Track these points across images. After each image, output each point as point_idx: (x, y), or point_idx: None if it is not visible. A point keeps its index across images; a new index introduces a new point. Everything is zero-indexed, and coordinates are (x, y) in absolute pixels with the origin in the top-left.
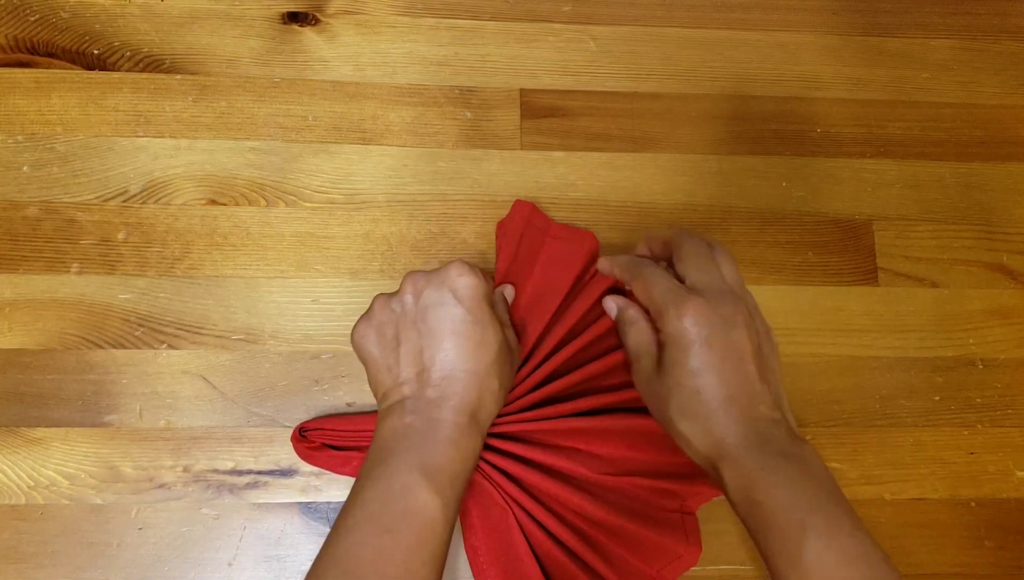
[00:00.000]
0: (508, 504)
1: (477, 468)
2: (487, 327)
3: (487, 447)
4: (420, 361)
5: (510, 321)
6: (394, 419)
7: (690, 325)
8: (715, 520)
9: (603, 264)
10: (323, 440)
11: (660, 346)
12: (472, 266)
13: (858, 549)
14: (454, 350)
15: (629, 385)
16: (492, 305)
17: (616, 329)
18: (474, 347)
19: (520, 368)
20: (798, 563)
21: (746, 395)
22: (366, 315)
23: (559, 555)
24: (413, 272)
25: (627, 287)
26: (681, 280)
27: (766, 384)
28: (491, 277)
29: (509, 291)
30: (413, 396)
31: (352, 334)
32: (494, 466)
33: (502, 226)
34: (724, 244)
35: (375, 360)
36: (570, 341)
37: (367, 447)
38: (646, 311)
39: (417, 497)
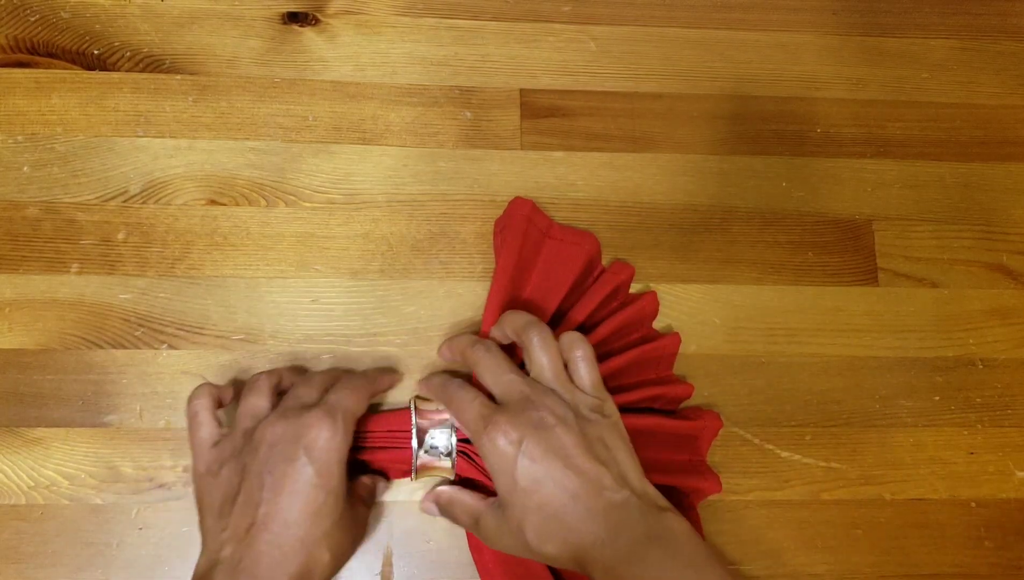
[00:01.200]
0: None
1: (478, 469)
2: (330, 494)
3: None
4: (252, 515)
5: (370, 503)
6: None
7: (504, 445)
8: (715, 521)
9: (420, 385)
10: None
11: (490, 493)
12: (335, 415)
13: None
14: (290, 512)
15: (632, 387)
16: (344, 469)
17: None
18: (312, 513)
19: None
20: None
21: (585, 488)
22: (210, 447)
23: None
24: (275, 419)
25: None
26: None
27: (602, 465)
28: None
29: (382, 488)
30: (230, 559)
31: (194, 466)
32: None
33: (499, 224)
34: (540, 325)
35: (210, 502)
36: None
37: (361, 447)
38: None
39: None
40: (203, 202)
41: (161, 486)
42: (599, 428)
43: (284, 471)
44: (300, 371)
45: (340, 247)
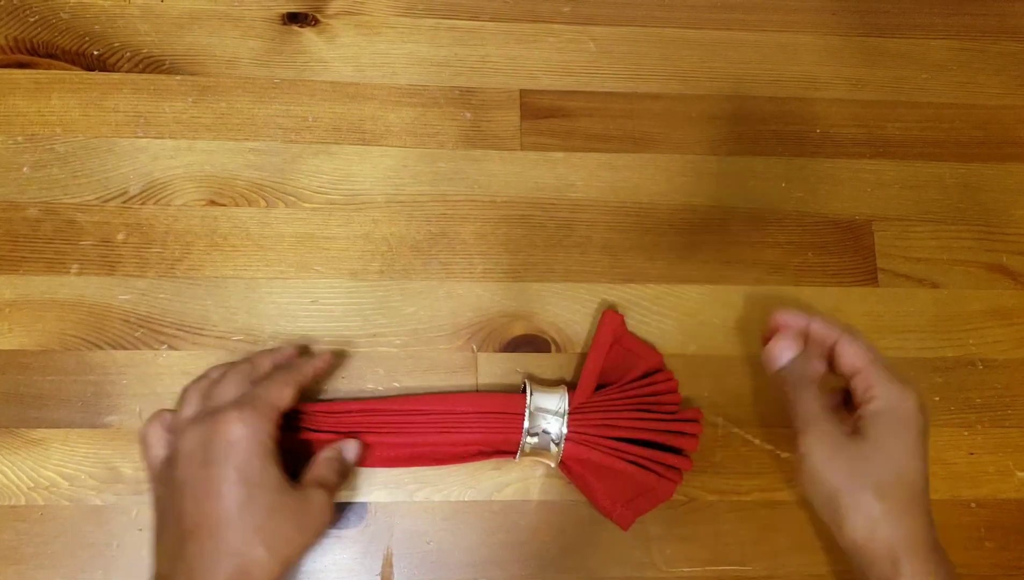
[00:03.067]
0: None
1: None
2: (255, 487)
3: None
4: (179, 527)
5: (335, 478)
6: None
7: (916, 409)
8: (715, 522)
9: (795, 319)
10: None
11: (853, 414)
12: (243, 409)
13: None
14: (214, 515)
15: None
16: (270, 459)
17: (779, 379)
18: (236, 511)
19: None
20: None
21: (926, 494)
22: (158, 467)
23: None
24: (188, 427)
25: (828, 344)
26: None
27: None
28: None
29: (350, 448)
30: (166, 576)
31: (150, 488)
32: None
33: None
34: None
35: (155, 520)
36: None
37: (344, 432)
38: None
39: None
40: (203, 203)
41: None
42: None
43: (202, 477)
44: (232, 365)
45: (340, 248)
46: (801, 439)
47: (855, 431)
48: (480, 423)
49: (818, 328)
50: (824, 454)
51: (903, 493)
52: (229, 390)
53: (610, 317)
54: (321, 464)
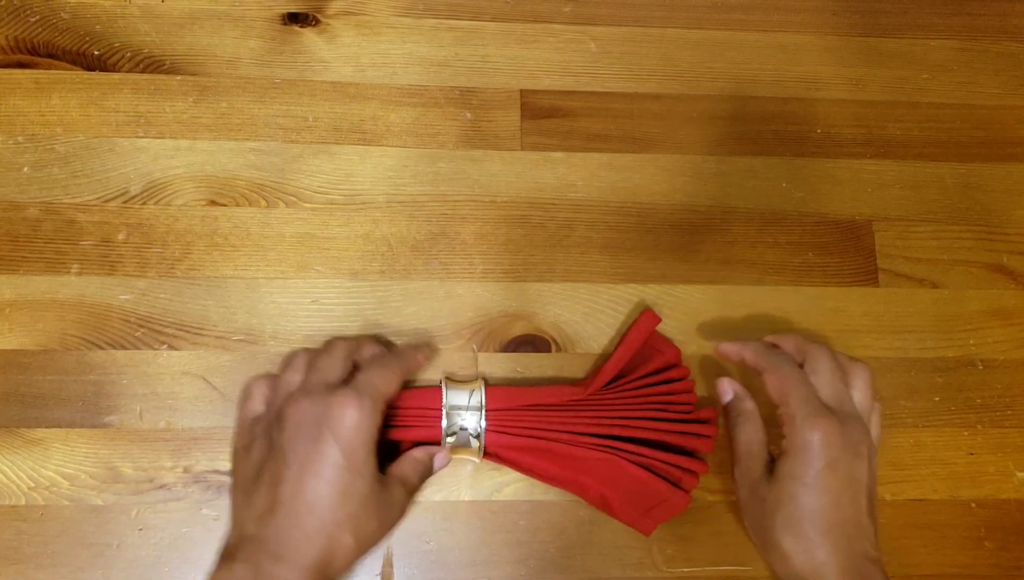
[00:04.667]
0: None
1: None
2: (356, 475)
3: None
4: (274, 496)
5: (416, 480)
6: (223, 570)
7: (820, 444)
8: (715, 522)
9: (731, 348)
10: None
11: (776, 452)
12: (362, 396)
13: None
14: (312, 492)
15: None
16: (372, 449)
17: (725, 414)
18: (336, 495)
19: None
20: None
21: (854, 527)
22: (246, 423)
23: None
24: (300, 396)
25: (759, 371)
26: None
27: (872, 521)
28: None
29: (440, 459)
30: (254, 539)
31: (233, 440)
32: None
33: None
34: (860, 361)
35: (238, 480)
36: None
37: (392, 425)
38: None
39: None
40: (203, 203)
41: (161, 487)
42: (875, 485)
43: (308, 451)
44: (336, 340)
45: (340, 248)
46: (733, 474)
47: (775, 467)
48: (404, 418)
49: (749, 357)
50: (745, 492)
51: (807, 530)
52: (336, 367)
53: (647, 318)
54: (408, 463)
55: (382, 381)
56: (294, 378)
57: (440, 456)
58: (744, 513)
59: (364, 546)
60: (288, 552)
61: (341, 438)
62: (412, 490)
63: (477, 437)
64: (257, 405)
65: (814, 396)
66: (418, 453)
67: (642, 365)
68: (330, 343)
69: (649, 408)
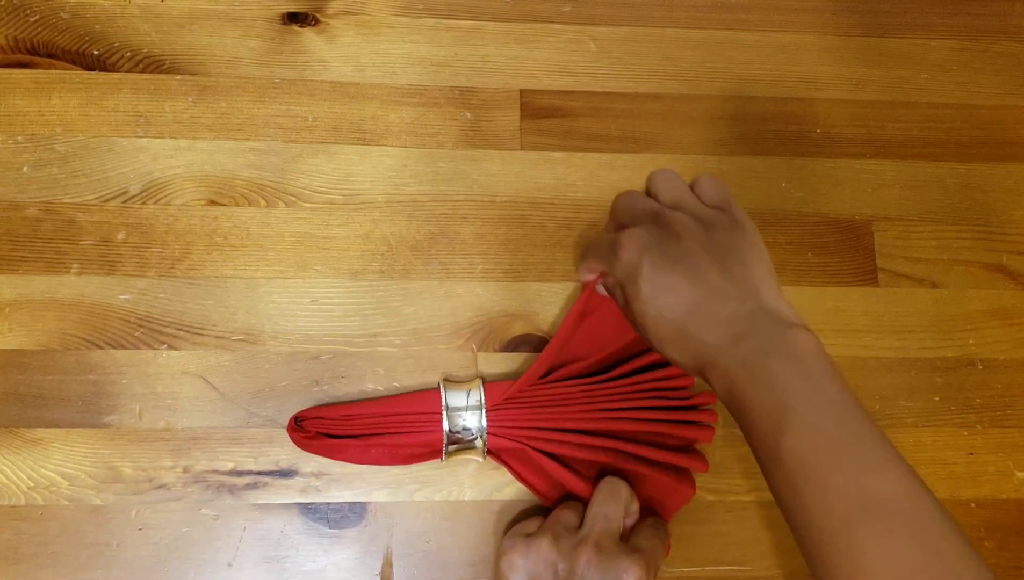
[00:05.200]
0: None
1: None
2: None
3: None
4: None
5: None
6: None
7: (629, 256)
8: (715, 522)
9: (579, 263)
10: (318, 429)
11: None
12: (650, 568)
13: (836, 425)
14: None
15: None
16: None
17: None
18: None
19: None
20: (778, 463)
21: (709, 299)
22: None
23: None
24: (585, 548)
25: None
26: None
27: (731, 280)
28: None
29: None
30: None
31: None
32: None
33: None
34: (705, 173)
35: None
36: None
37: (361, 434)
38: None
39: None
40: (203, 202)
41: (161, 486)
42: (731, 239)
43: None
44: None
45: (340, 247)
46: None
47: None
48: (401, 425)
49: (584, 261)
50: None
51: (671, 330)
52: (618, 515)
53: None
54: (643, 535)
55: (660, 553)
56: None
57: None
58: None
59: None
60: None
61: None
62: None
63: (479, 436)
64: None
65: (608, 241)
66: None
67: (636, 349)
68: (608, 484)
69: (647, 397)
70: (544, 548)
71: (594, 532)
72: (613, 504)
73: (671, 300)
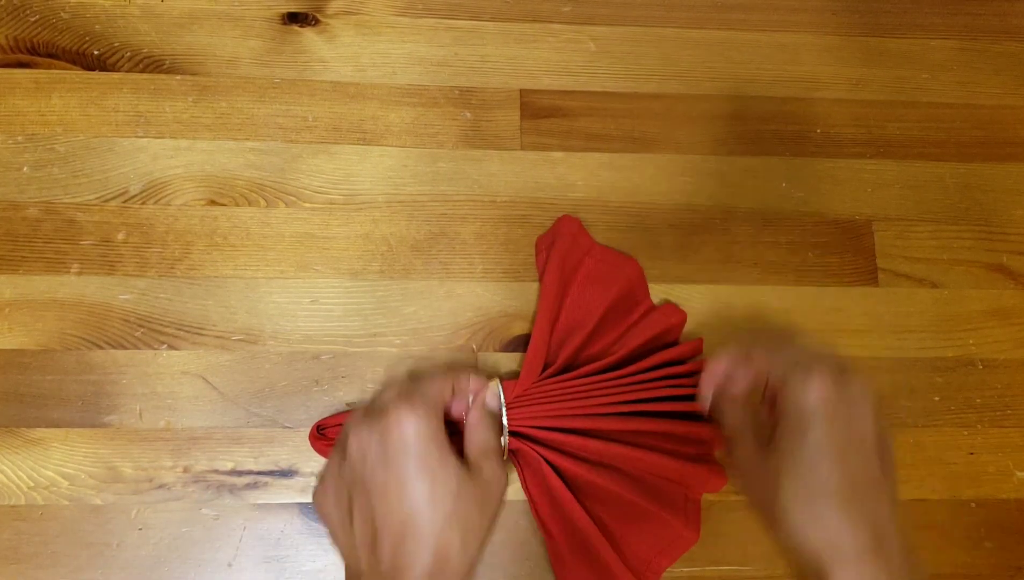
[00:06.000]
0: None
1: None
2: (436, 479)
3: (520, 435)
4: (372, 526)
5: (493, 441)
6: None
7: (815, 398)
8: (714, 521)
9: (711, 371)
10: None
11: (771, 424)
12: (413, 403)
13: None
14: (403, 510)
15: (643, 355)
16: (444, 446)
17: (712, 411)
18: (424, 503)
19: (549, 375)
20: None
21: (869, 488)
22: (321, 479)
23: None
24: (356, 423)
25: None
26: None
27: (888, 478)
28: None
29: (492, 393)
30: (369, 571)
31: (313, 499)
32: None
33: (543, 241)
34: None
35: (334, 523)
36: (602, 358)
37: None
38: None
39: None
40: (203, 202)
41: (161, 486)
42: (890, 438)
43: (383, 476)
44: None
45: (340, 248)
46: (733, 463)
47: (771, 441)
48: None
49: (736, 350)
50: (743, 471)
51: (818, 499)
52: (387, 393)
53: (566, 221)
54: (474, 431)
55: (429, 387)
56: (355, 420)
57: (490, 394)
58: (748, 497)
59: (473, 538)
60: (402, 568)
61: (407, 450)
62: (494, 452)
63: (502, 435)
64: (333, 461)
65: (802, 355)
66: (472, 415)
67: (647, 333)
68: (382, 385)
69: (661, 386)
70: (330, 467)
71: (371, 407)
72: (388, 389)
73: (836, 468)
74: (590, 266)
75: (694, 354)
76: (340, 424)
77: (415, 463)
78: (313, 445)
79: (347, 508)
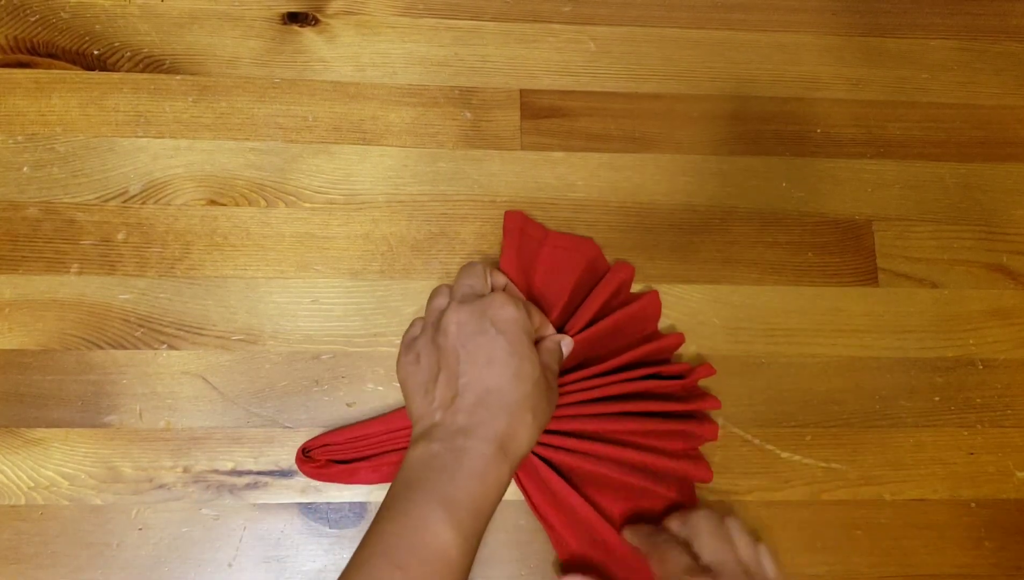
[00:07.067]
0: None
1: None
2: (524, 359)
3: None
4: (455, 386)
5: (557, 369)
6: (421, 447)
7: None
8: None
9: (625, 533)
10: (327, 456)
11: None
12: (515, 299)
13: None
14: (489, 378)
15: (623, 349)
16: (532, 341)
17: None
18: (510, 377)
19: None
20: None
21: None
22: (407, 344)
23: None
24: (455, 305)
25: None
26: (697, 558)
27: None
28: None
29: (567, 343)
30: (443, 423)
31: (397, 363)
32: None
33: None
34: (730, 515)
35: (414, 385)
36: (571, 329)
37: (370, 455)
38: None
39: (435, 533)
40: (203, 202)
41: (161, 486)
42: None
43: (477, 343)
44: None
45: (340, 247)
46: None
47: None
48: (409, 439)
49: (639, 543)
50: None
51: None
52: (479, 281)
53: (510, 216)
54: (545, 353)
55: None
56: (442, 302)
57: (566, 341)
58: None
59: (539, 423)
60: (476, 428)
61: (503, 329)
62: (554, 377)
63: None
64: (414, 330)
65: (689, 564)
66: (548, 342)
67: (605, 293)
68: (467, 266)
69: (645, 382)
70: (422, 338)
71: (457, 295)
72: (472, 277)
73: None
74: (548, 254)
75: (676, 347)
76: (325, 445)
77: (510, 343)
78: (301, 469)
79: (431, 373)
